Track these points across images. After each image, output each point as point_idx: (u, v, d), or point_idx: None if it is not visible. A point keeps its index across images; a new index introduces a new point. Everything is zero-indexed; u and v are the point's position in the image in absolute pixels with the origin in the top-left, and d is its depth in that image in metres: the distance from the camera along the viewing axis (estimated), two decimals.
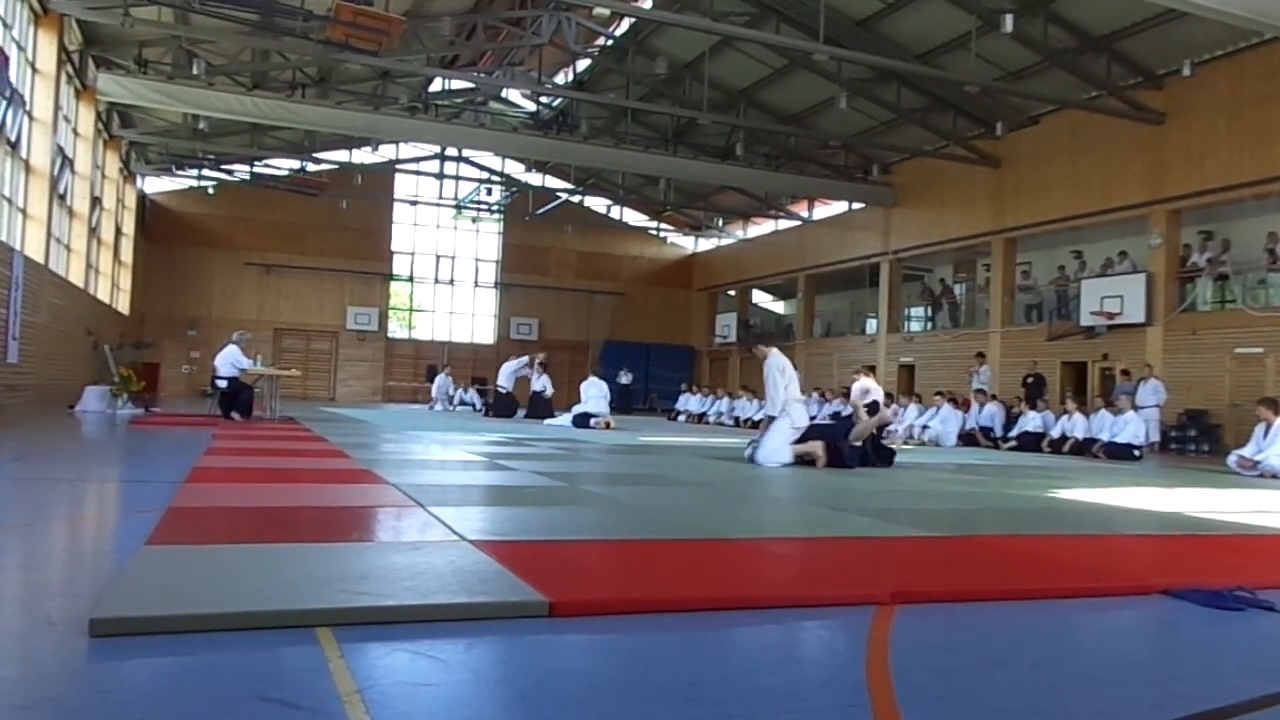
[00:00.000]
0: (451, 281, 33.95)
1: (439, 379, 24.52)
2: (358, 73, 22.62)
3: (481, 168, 32.20)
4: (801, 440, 8.21)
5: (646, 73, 22.16)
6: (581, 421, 15.69)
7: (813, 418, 19.99)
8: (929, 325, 24.98)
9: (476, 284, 34.21)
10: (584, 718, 1.69)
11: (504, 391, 19.02)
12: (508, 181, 32.10)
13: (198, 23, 17.48)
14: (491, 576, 2.68)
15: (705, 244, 35.84)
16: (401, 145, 30.28)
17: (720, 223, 34.00)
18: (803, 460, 8.06)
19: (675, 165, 23.70)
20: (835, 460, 8.00)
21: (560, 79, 25.06)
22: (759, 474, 7.32)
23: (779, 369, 8.36)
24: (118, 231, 25.21)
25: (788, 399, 8.27)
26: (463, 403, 24.47)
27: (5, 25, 13.91)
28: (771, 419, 8.35)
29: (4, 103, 13.72)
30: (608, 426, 15.50)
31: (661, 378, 31.79)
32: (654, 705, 1.76)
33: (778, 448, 8.06)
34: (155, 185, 29.87)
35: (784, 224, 30.25)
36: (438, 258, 33.73)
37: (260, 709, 1.63)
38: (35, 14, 15.76)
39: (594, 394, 16.20)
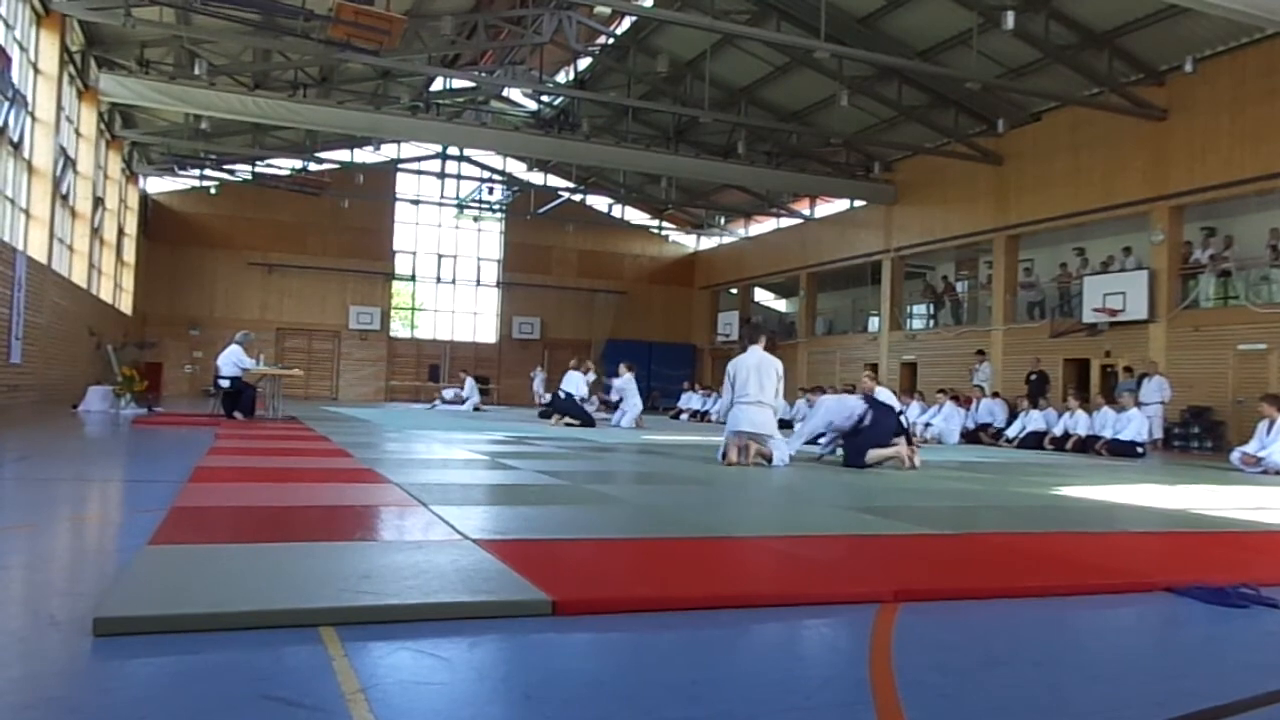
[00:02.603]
0: (453, 280, 33.96)
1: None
2: (359, 72, 22.63)
3: (483, 167, 32.21)
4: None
5: (648, 71, 22.16)
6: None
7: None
8: (931, 323, 24.97)
9: (478, 283, 34.22)
10: (587, 716, 1.69)
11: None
12: (509, 180, 32.11)
13: (199, 23, 17.50)
14: (494, 575, 2.68)
15: (707, 242, 35.82)
16: (403, 144, 30.29)
17: (722, 221, 34.00)
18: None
19: (677, 164, 23.69)
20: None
21: (561, 78, 25.05)
22: (761, 473, 7.32)
23: (728, 374, 8.37)
24: (120, 232, 25.24)
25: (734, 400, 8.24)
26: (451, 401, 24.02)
27: (7, 26, 13.92)
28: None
29: (6, 103, 13.73)
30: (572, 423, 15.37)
31: (664, 376, 31.79)
32: (657, 703, 1.76)
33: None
34: (157, 185, 29.90)
35: (786, 222, 30.24)
36: (439, 257, 33.74)
37: (264, 708, 1.63)
38: (37, 14, 15.78)
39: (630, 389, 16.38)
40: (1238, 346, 16.11)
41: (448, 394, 24.06)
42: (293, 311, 31.35)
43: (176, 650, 1.93)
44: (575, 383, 16.39)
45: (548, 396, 23.43)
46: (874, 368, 24.30)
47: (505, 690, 1.82)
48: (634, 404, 16.33)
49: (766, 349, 8.40)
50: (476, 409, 22.86)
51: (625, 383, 16.36)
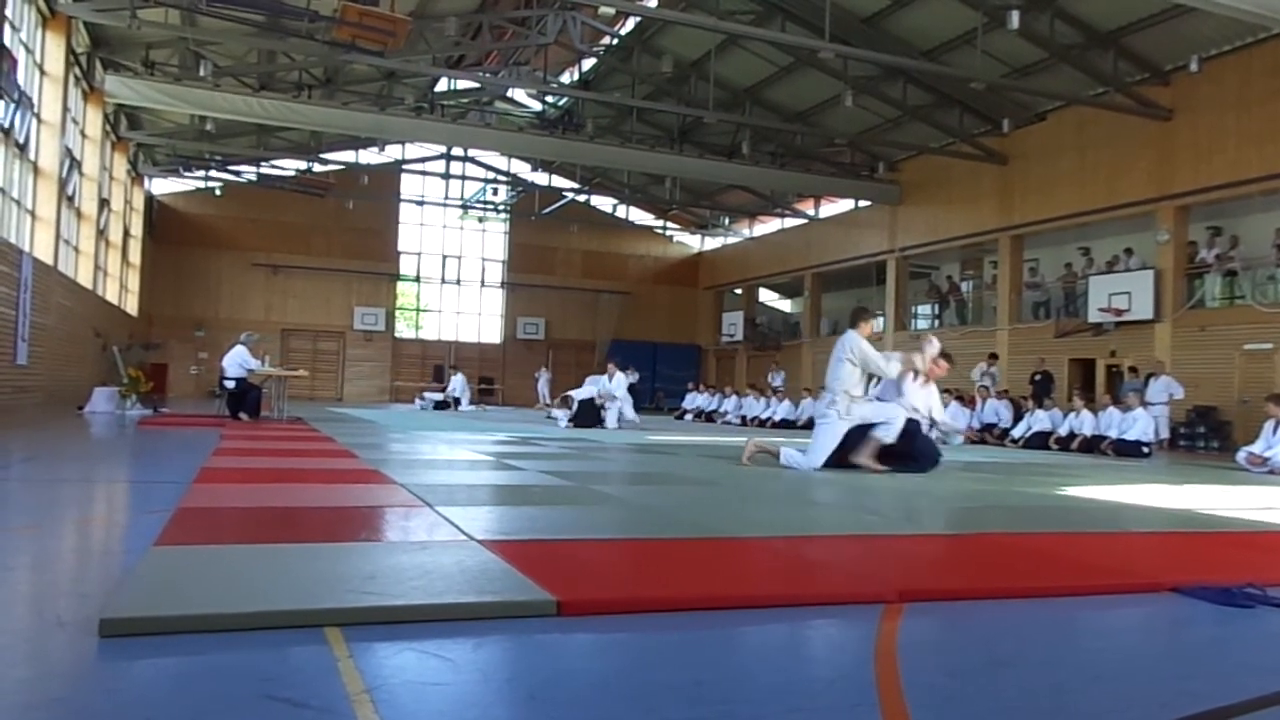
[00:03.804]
0: (458, 281, 34.01)
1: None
2: (364, 73, 22.67)
3: (487, 167, 32.25)
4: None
5: (652, 71, 22.17)
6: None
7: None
8: (936, 323, 24.94)
9: (483, 284, 34.27)
10: (591, 716, 1.69)
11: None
12: (514, 181, 32.15)
13: (204, 24, 17.54)
14: (499, 576, 2.68)
15: (711, 243, 35.83)
16: (407, 145, 30.35)
17: (726, 221, 34.00)
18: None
19: (681, 164, 23.70)
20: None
21: (566, 78, 25.08)
22: (765, 473, 7.30)
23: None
24: (125, 233, 25.32)
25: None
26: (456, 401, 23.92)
27: (13, 27, 13.96)
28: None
29: (12, 105, 13.78)
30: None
31: (668, 377, 31.80)
32: (661, 704, 1.76)
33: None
34: (162, 187, 30.00)
35: (790, 222, 30.23)
36: (444, 258, 33.79)
37: (269, 709, 1.63)
38: (43, 16, 15.83)
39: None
40: (1243, 346, 16.07)
41: (431, 396, 23.99)
42: (297, 312, 31.41)
43: (182, 651, 1.94)
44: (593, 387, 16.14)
45: (548, 397, 23.44)
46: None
47: (510, 691, 1.82)
48: (625, 406, 15.80)
49: (852, 326, 7.85)
50: (473, 403, 22.79)
51: (616, 386, 15.81)
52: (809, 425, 19.41)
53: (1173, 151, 17.26)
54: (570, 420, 15.15)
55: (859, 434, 7.56)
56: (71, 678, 1.83)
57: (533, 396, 27.96)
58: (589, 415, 15.24)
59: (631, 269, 35.29)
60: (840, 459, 7.48)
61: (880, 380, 7.73)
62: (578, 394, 15.68)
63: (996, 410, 16.47)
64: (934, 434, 8.27)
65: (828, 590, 2.77)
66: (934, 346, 8.02)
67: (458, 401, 23.28)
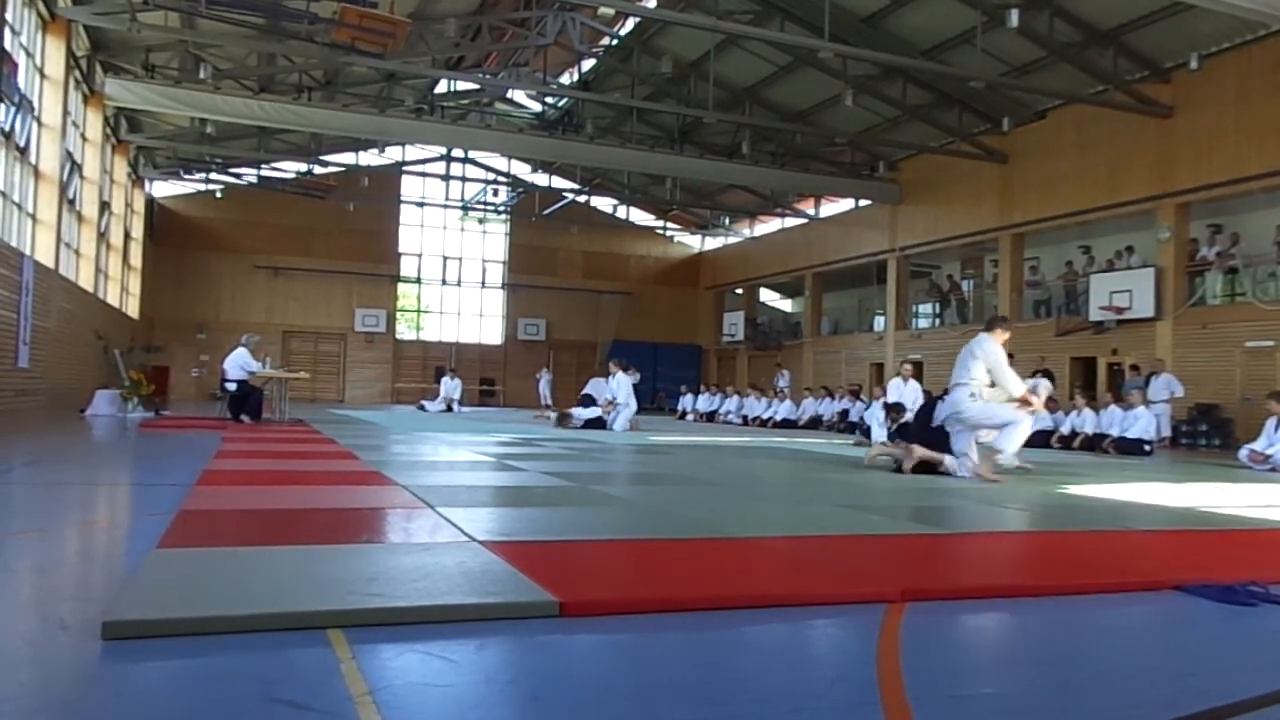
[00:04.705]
0: (459, 282, 34.00)
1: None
2: (364, 75, 22.67)
3: (488, 169, 32.24)
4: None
5: (651, 72, 22.16)
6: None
7: (819, 417, 19.29)
8: (937, 322, 24.94)
9: (484, 285, 34.26)
10: (594, 717, 1.69)
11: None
12: (514, 182, 32.13)
13: (204, 27, 17.54)
14: (501, 577, 2.69)
15: (712, 243, 35.81)
16: (408, 147, 30.35)
17: (727, 221, 33.99)
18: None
19: (681, 164, 23.69)
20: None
21: (565, 79, 25.07)
22: (767, 473, 7.30)
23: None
24: (126, 236, 25.33)
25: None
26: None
27: (13, 31, 13.97)
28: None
29: (12, 109, 13.79)
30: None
31: (669, 377, 31.79)
32: (665, 704, 1.76)
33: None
34: (163, 189, 30.00)
35: (791, 222, 30.22)
36: (445, 259, 33.78)
37: (272, 711, 1.64)
38: (43, 20, 15.84)
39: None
40: (1245, 344, 16.06)
41: (430, 405, 23.81)
42: (299, 314, 31.42)
43: (185, 654, 1.94)
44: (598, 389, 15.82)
45: (549, 397, 23.35)
46: (880, 367, 24.32)
47: (513, 692, 1.83)
48: (629, 407, 15.36)
49: (987, 330, 7.71)
50: (453, 407, 22.67)
51: (622, 384, 15.39)
52: (810, 425, 19.49)
53: (1173, 149, 17.25)
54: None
55: (941, 435, 7.58)
56: (74, 681, 1.83)
57: (534, 397, 27.98)
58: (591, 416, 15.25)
59: (632, 269, 35.28)
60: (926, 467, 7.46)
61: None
62: (580, 413, 15.38)
63: None
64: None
65: (830, 590, 2.77)
66: (1045, 387, 8.23)
67: (449, 404, 23.24)
